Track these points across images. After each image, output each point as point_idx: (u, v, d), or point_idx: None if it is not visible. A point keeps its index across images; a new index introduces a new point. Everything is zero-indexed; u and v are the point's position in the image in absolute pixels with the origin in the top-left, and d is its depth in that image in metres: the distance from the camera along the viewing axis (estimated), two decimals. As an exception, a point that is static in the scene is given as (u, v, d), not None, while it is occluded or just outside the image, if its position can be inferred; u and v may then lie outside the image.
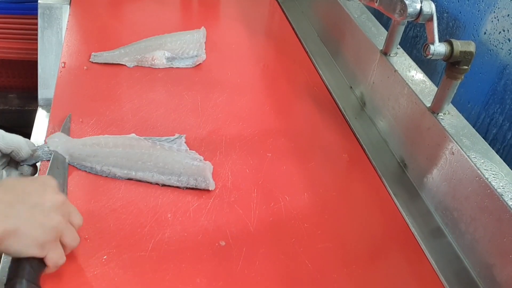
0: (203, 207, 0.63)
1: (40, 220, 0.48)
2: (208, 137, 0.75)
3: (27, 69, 1.45)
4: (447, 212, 0.66)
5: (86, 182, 0.65)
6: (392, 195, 0.71)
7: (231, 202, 0.65)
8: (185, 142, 0.72)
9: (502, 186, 0.57)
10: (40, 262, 0.49)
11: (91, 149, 0.67)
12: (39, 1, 1.02)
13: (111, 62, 0.88)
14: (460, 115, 0.68)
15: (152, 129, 0.75)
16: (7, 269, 0.48)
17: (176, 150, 0.69)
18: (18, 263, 0.47)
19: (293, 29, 1.11)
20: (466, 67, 0.62)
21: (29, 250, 0.47)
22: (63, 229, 0.50)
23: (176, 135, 0.73)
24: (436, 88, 0.70)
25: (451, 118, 0.68)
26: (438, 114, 0.68)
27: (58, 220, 0.49)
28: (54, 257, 0.49)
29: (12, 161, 0.64)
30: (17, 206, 0.47)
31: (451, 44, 0.61)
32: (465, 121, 0.67)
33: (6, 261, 0.52)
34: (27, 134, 0.87)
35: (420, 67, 0.78)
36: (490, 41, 0.72)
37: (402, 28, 0.78)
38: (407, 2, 0.66)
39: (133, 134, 0.71)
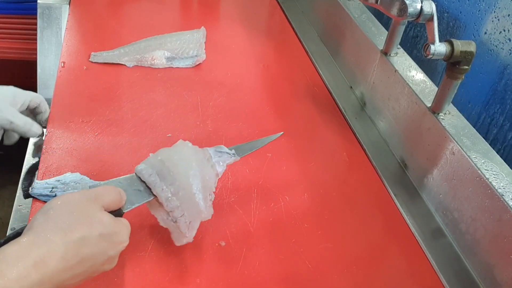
0: (203, 207, 0.63)
1: None
2: (208, 137, 0.75)
3: (27, 69, 1.45)
4: (448, 213, 0.66)
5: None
6: (392, 195, 0.71)
7: (231, 202, 0.64)
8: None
9: (502, 186, 0.57)
10: None
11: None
12: (38, 1, 1.02)
13: (110, 62, 0.88)
14: (460, 115, 0.68)
15: (151, 129, 0.75)
16: None
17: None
18: None
19: (293, 29, 1.11)
20: (467, 67, 0.62)
21: None
22: None
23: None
24: (436, 88, 0.70)
25: (452, 118, 0.67)
26: (438, 114, 0.68)
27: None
28: None
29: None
30: None
31: (451, 44, 0.61)
32: (465, 121, 0.67)
33: None
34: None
35: (420, 67, 0.78)
36: (491, 41, 0.72)
37: (402, 28, 0.77)
38: (407, 2, 0.66)
39: (188, 143, 0.60)
